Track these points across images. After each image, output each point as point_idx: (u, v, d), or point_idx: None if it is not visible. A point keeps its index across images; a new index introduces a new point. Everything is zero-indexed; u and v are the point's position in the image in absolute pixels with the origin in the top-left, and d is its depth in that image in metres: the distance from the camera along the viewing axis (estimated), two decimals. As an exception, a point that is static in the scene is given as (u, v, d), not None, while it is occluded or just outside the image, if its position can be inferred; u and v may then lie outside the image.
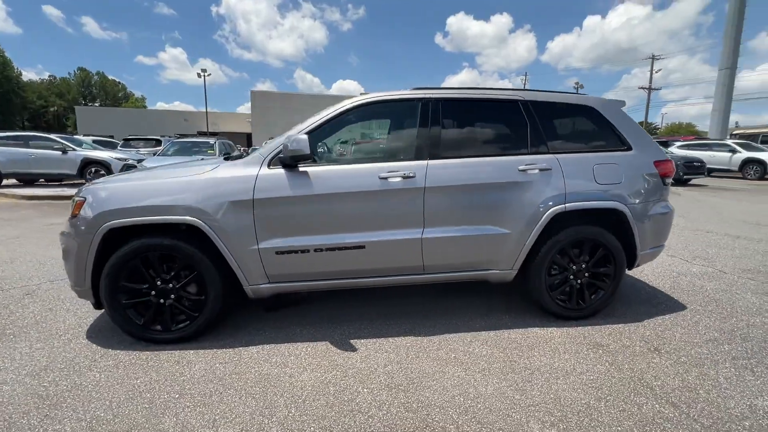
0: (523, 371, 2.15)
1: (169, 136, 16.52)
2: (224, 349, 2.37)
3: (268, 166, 2.39)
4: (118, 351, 2.34)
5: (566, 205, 2.56)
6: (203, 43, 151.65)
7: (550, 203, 2.55)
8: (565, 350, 2.37)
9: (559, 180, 2.57)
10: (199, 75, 35.78)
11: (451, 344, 2.44)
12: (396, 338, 2.51)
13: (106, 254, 2.31)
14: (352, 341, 2.48)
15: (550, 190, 2.55)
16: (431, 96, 2.60)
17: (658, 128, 60.20)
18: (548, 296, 2.69)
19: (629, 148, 2.75)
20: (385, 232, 2.45)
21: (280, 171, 2.38)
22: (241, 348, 2.39)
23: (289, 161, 2.34)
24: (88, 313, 2.87)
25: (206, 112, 36.64)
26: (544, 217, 2.54)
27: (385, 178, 2.42)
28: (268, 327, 2.67)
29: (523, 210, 2.55)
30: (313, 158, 2.27)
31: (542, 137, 2.64)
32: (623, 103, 2.92)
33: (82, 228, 2.27)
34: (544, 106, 2.72)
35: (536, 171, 2.56)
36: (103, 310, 2.85)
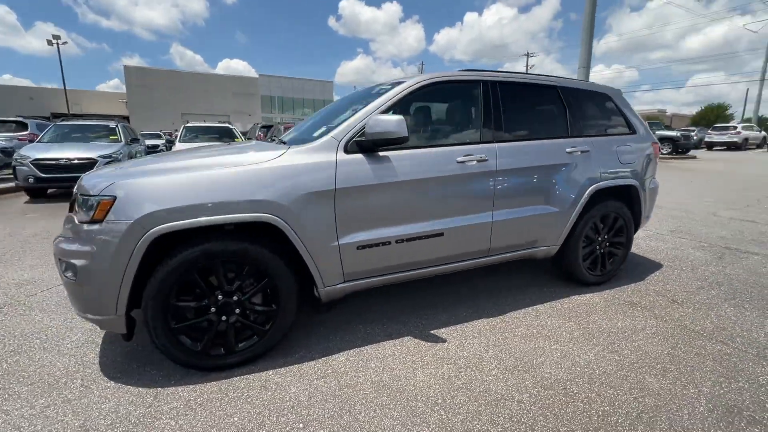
0: (602, 335, 2.36)
1: (43, 118, 13.12)
2: (306, 363, 2.07)
3: (345, 150, 2.11)
4: (172, 388, 1.85)
5: (600, 183, 2.84)
6: (42, 3, 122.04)
7: (590, 182, 2.80)
8: (615, 311, 2.67)
9: (595, 161, 2.83)
10: (50, 42, 28.76)
11: (523, 320, 2.54)
12: (470, 323, 2.51)
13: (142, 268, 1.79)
14: (432, 332, 2.40)
15: (589, 170, 2.80)
16: (491, 78, 2.59)
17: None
18: (582, 267, 2.98)
19: (634, 132, 3.17)
20: (461, 218, 2.40)
21: (359, 156, 2.12)
22: (324, 359, 2.11)
23: (372, 145, 2.10)
24: (77, 347, 2.19)
25: (65, 89, 29.92)
26: (585, 195, 2.78)
27: (463, 162, 2.36)
28: (331, 331, 2.40)
29: (569, 189, 2.75)
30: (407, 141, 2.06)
31: (578, 122, 2.87)
32: (621, 91, 3.33)
33: (116, 237, 1.70)
34: (575, 93, 2.94)
35: (579, 153, 2.77)
36: (101, 341, 2.24)
